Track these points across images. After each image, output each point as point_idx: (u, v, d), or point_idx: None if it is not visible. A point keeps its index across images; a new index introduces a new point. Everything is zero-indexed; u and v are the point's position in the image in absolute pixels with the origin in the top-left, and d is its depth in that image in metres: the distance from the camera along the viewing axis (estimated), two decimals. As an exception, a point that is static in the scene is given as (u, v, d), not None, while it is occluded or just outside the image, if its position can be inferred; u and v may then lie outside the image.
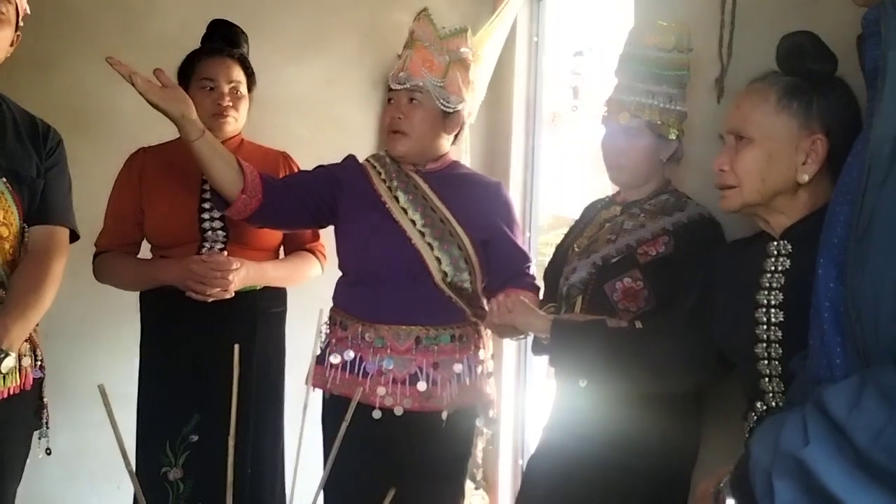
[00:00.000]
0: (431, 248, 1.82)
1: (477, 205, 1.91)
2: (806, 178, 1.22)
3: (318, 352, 1.90)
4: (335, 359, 1.84)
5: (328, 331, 1.92)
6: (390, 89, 1.90)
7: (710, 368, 1.41)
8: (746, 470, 0.77)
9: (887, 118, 0.70)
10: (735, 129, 1.29)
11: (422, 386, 1.81)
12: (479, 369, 1.91)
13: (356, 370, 1.83)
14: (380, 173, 1.91)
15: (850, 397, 0.64)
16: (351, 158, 2.01)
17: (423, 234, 1.83)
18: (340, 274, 1.97)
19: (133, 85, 1.62)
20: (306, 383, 1.16)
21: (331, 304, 1.95)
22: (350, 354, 1.84)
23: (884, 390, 0.61)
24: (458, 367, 1.86)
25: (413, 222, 1.83)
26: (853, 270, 0.71)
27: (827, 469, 0.63)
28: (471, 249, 1.86)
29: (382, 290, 1.85)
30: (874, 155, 0.71)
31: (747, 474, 0.76)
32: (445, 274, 1.83)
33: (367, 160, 1.98)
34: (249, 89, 2.13)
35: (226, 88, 2.04)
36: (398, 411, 1.80)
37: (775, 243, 1.29)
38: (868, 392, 0.63)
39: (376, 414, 1.79)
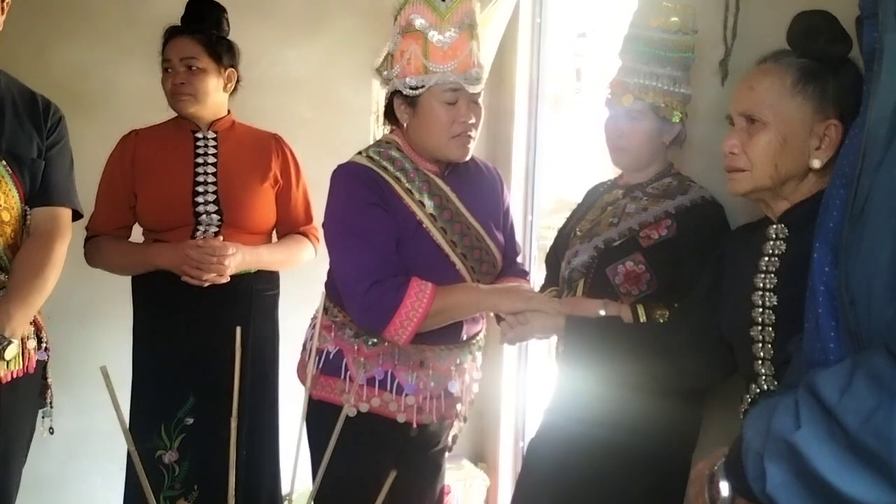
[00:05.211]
0: (473, 270, 1.72)
1: (496, 209, 1.84)
2: (818, 164, 1.19)
3: (313, 343, 1.76)
4: (362, 377, 1.70)
5: (334, 335, 1.73)
6: (454, 89, 1.62)
7: (728, 361, 1.38)
8: (740, 453, 0.77)
9: (883, 100, 0.69)
10: (748, 112, 1.24)
11: (457, 399, 1.77)
12: (478, 364, 1.89)
13: (389, 387, 1.70)
14: (399, 179, 1.68)
15: (841, 382, 0.64)
16: (369, 182, 1.66)
17: (464, 257, 1.71)
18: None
19: None
20: (305, 386, 1.10)
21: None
22: (381, 373, 1.70)
23: (874, 374, 0.61)
24: (476, 374, 1.84)
25: (454, 244, 1.69)
26: (847, 254, 0.70)
27: (818, 453, 0.63)
28: (500, 267, 1.82)
29: None
30: (870, 137, 0.70)
31: (741, 457, 0.77)
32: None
33: (379, 166, 1.68)
34: (220, 63, 2.05)
35: (180, 67, 1.99)
36: (434, 427, 1.77)
37: (773, 227, 1.28)
38: (859, 376, 0.63)
39: (413, 432, 1.72)
